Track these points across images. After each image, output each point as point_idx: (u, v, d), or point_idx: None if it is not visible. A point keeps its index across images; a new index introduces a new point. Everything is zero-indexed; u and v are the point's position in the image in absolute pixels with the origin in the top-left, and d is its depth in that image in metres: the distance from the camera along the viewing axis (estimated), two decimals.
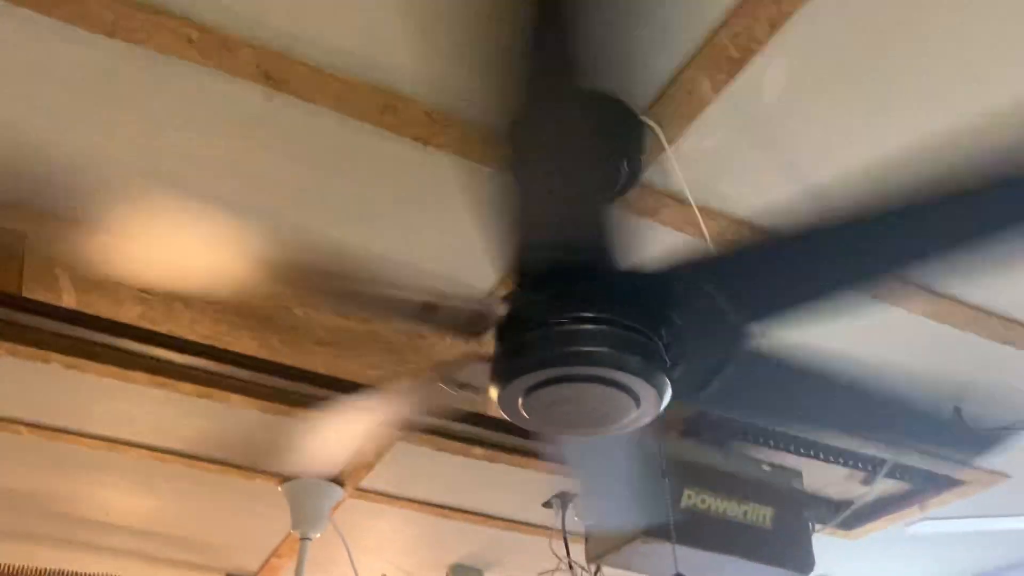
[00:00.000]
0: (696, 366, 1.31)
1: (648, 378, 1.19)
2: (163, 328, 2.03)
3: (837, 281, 1.19)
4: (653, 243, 1.35)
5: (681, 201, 1.60)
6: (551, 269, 1.20)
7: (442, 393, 1.46)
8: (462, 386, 1.39)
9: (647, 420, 1.28)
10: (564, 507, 2.76)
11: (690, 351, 1.26)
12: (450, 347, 1.88)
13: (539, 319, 1.20)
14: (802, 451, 2.43)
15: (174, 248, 1.40)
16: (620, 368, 1.17)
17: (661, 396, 1.23)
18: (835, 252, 1.15)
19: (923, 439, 1.78)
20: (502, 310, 1.23)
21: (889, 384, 1.50)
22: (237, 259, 1.39)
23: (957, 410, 1.76)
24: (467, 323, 1.31)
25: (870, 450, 2.44)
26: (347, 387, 2.25)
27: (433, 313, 1.32)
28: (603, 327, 1.19)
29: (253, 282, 1.45)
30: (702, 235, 1.58)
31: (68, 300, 1.92)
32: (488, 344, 1.28)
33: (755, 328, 1.24)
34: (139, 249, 1.43)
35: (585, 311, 1.19)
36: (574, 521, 2.53)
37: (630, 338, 1.18)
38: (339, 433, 1.79)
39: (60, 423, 2.54)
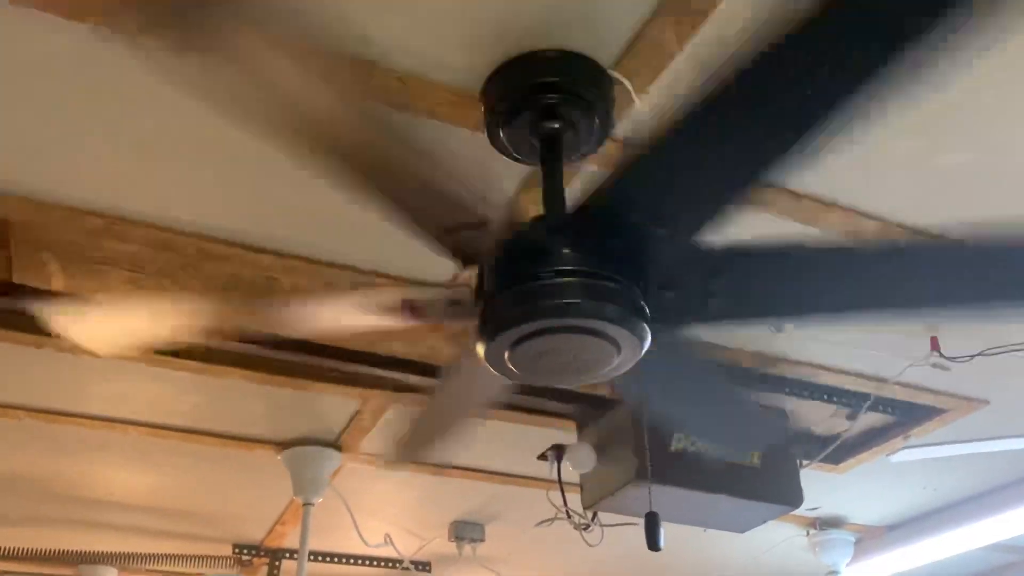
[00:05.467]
0: (684, 289, 1.31)
1: (622, 323, 1.22)
2: None
3: (734, 161, 1.12)
4: None
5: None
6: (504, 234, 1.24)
7: (393, 308, 1.47)
8: (416, 310, 1.41)
9: (630, 364, 1.32)
10: (559, 459, 2.82)
11: (665, 278, 1.28)
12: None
13: (507, 281, 1.23)
14: (787, 391, 2.49)
15: None
16: (594, 316, 1.21)
17: (640, 339, 1.26)
18: (718, 131, 1.07)
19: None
20: (475, 279, 1.27)
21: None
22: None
23: None
24: (451, 308, 1.34)
25: (854, 386, 2.50)
26: (340, 354, 2.29)
27: (416, 310, 1.35)
28: (589, 280, 1.23)
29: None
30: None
31: (57, 284, 1.95)
32: (463, 291, 1.32)
33: (693, 234, 1.21)
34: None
35: (553, 265, 1.23)
36: (569, 471, 2.59)
37: (597, 285, 1.22)
38: None
39: (58, 406, 2.57)
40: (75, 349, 2.16)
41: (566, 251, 1.24)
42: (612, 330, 1.24)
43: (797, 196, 1.78)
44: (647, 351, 1.30)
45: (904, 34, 0.89)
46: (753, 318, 1.30)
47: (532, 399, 2.54)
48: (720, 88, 1.00)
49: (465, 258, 1.30)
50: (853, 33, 0.92)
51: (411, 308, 1.41)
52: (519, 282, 1.25)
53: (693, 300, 1.29)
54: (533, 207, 1.52)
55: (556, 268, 1.23)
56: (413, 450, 2.13)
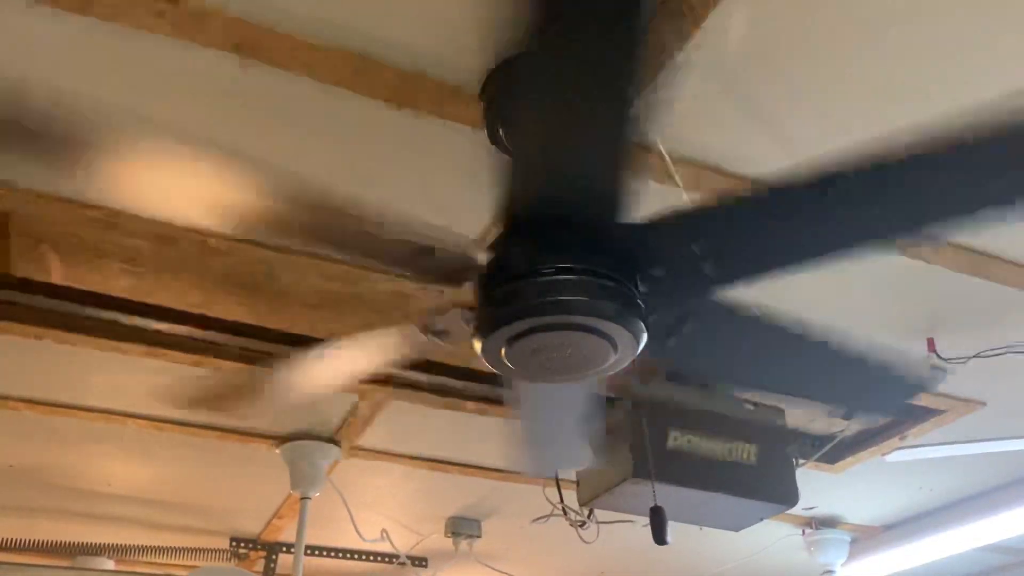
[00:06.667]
0: (664, 317, 1.34)
1: (625, 325, 1.23)
2: (153, 299, 2.07)
3: (823, 243, 1.21)
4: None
5: (650, 150, 1.63)
6: (539, 219, 1.21)
7: (417, 341, 1.47)
8: (439, 334, 1.42)
9: (624, 364, 1.33)
10: None
11: (662, 303, 1.29)
12: (433, 302, 1.92)
13: (522, 270, 1.23)
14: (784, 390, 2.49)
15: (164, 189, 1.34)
16: (600, 316, 1.21)
17: (638, 341, 1.27)
18: (823, 214, 1.16)
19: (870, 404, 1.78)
20: (485, 260, 1.27)
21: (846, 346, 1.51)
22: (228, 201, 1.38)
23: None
24: (453, 272, 1.33)
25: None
26: None
27: (426, 257, 1.32)
28: (584, 277, 1.23)
29: (246, 224, 1.44)
30: (673, 182, 1.62)
31: (57, 276, 1.96)
32: (467, 293, 1.32)
33: (730, 285, 1.27)
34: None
35: (566, 262, 1.22)
36: None
37: (609, 288, 1.22)
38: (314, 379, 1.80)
39: (57, 398, 2.58)
40: (73, 341, 2.19)
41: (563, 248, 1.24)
42: (607, 327, 1.25)
43: None
44: (701, 324, 1.33)
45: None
46: (753, 274, 1.29)
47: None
48: (828, 178, 1.09)
49: (449, 281, 1.31)
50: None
51: (424, 253, 1.38)
52: (515, 279, 1.25)
53: (658, 331, 1.30)
54: None
55: (552, 266, 1.23)
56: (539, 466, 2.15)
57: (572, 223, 1.21)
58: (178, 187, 1.20)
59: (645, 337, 1.27)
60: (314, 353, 1.58)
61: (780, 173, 1.13)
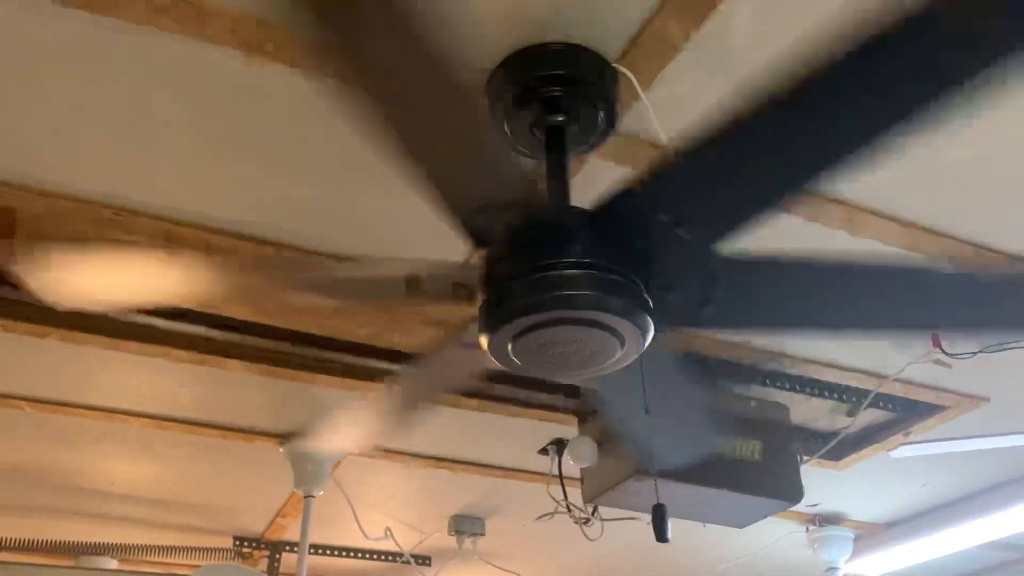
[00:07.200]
0: (684, 292, 1.32)
1: (628, 316, 1.23)
2: None
3: (775, 171, 1.13)
4: None
5: (658, 147, 1.63)
6: (515, 223, 1.24)
7: (467, 359, 1.48)
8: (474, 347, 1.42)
9: (633, 357, 1.32)
10: (559, 453, 2.83)
11: (671, 278, 1.28)
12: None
13: (515, 270, 1.23)
14: (788, 386, 2.49)
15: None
16: (599, 308, 1.21)
17: (643, 332, 1.26)
18: (765, 140, 1.07)
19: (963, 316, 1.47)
20: (482, 267, 1.27)
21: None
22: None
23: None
24: (453, 290, 1.34)
25: (855, 382, 2.51)
26: (341, 346, 2.30)
27: (417, 286, 1.34)
28: (580, 271, 1.23)
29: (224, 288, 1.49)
30: None
31: None
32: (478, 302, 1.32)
33: (721, 238, 1.23)
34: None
35: (557, 256, 1.23)
36: (570, 465, 2.59)
37: (603, 277, 1.22)
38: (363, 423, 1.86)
39: (60, 396, 2.58)
40: (76, 339, 2.20)
41: (572, 243, 1.24)
42: (616, 323, 1.24)
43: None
44: (734, 284, 1.30)
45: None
46: (745, 328, 1.30)
47: (533, 393, 2.55)
48: (766, 101, 1.01)
49: (480, 241, 1.30)
50: (901, 59, 0.93)
51: (414, 283, 1.38)
52: (524, 273, 1.25)
53: (689, 304, 1.29)
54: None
55: (562, 260, 1.23)
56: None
57: (525, 223, 1.24)
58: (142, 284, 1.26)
59: (651, 327, 1.26)
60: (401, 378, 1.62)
61: (712, 113, 1.06)
